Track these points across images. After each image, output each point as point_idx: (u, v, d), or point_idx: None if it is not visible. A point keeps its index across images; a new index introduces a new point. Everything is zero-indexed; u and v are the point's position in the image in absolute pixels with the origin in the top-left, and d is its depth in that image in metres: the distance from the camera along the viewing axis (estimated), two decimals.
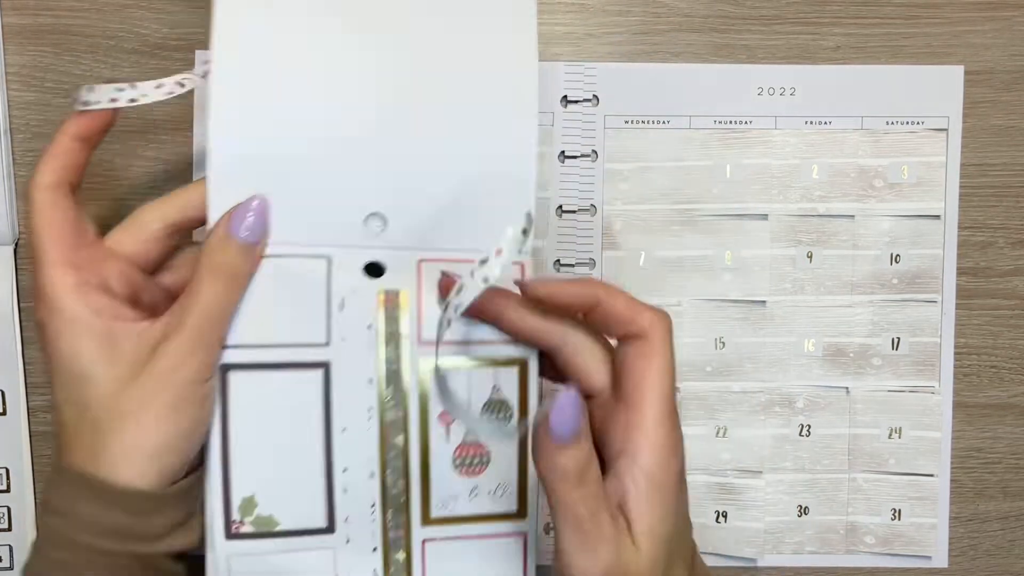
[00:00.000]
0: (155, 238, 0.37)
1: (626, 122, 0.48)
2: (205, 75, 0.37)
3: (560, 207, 0.48)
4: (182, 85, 0.38)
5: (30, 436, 0.48)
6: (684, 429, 0.49)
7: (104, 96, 0.37)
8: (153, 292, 0.38)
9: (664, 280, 0.49)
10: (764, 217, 0.49)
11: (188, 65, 0.48)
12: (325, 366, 0.37)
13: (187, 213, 0.37)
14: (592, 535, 0.33)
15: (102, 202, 0.48)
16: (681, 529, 0.36)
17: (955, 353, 0.49)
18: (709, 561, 0.49)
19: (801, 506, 0.49)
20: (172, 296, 0.38)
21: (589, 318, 0.36)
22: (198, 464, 0.37)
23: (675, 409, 0.36)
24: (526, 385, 0.39)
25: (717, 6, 0.48)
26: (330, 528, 0.38)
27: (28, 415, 0.47)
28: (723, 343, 0.49)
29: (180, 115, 0.48)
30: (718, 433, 0.49)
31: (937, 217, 0.49)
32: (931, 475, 0.49)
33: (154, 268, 0.38)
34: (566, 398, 0.32)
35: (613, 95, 0.48)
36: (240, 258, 0.36)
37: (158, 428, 0.35)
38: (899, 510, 0.49)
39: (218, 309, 0.36)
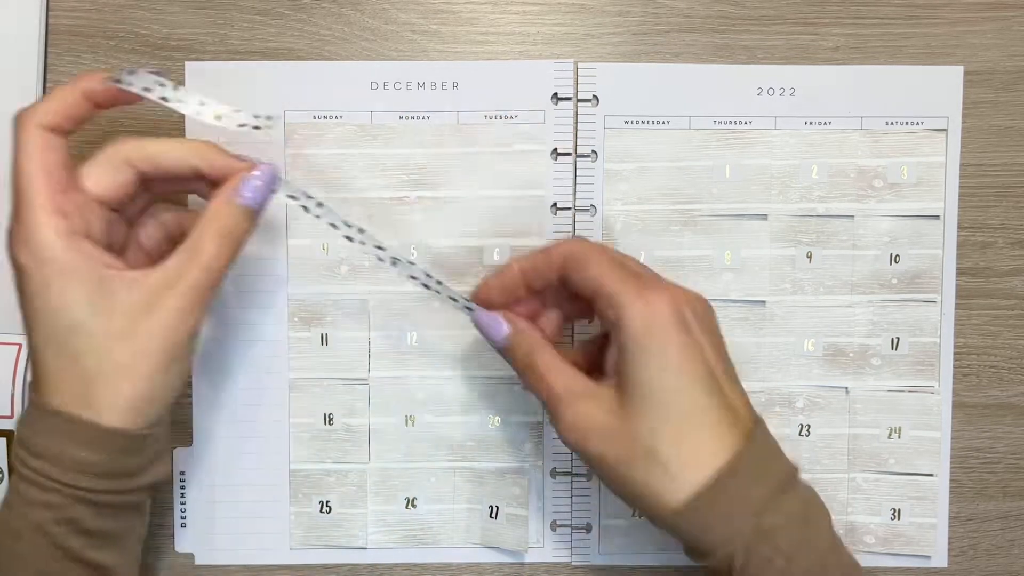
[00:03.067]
0: (129, 183, 0.38)
1: (626, 122, 0.48)
2: (242, 126, 0.39)
3: (555, 204, 0.48)
4: (217, 119, 0.39)
5: None
6: None
7: (139, 84, 0.38)
8: (121, 234, 0.40)
9: None
10: (764, 217, 0.49)
11: (184, 66, 0.48)
12: None
13: (157, 169, 0.38)
14: (563, 396, 0.39)
15: None
16: (700, 388, 0.37)
17: (954, 353, 0.49)
18: None
19: None
20: (141, 247, 0.40)
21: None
22: None
23: (650, 275, 0.39)
24: None
25: (717, 6, 0.48)
26: None
27: None
28: None
29: (178, 119, 0.48)
30: None
31: (937, 217, 0.49)
32: (931, 475, 0.49)
33: (119, 210, 0.39)
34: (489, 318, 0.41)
35: (613, 95, 0.48)
36: (245, 222, 0.38)
37: (150, 381, 0.37)
38: (899, 510, 0.49)
39: (218, 269, 0.38)
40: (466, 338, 0.49)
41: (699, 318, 0.38)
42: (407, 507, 0.49)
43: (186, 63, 0.48)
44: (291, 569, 0.49)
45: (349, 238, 0.42)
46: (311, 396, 0.49)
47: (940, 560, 0.49)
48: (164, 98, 0.38)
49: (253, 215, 0.39)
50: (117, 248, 0.39)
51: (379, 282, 0.49)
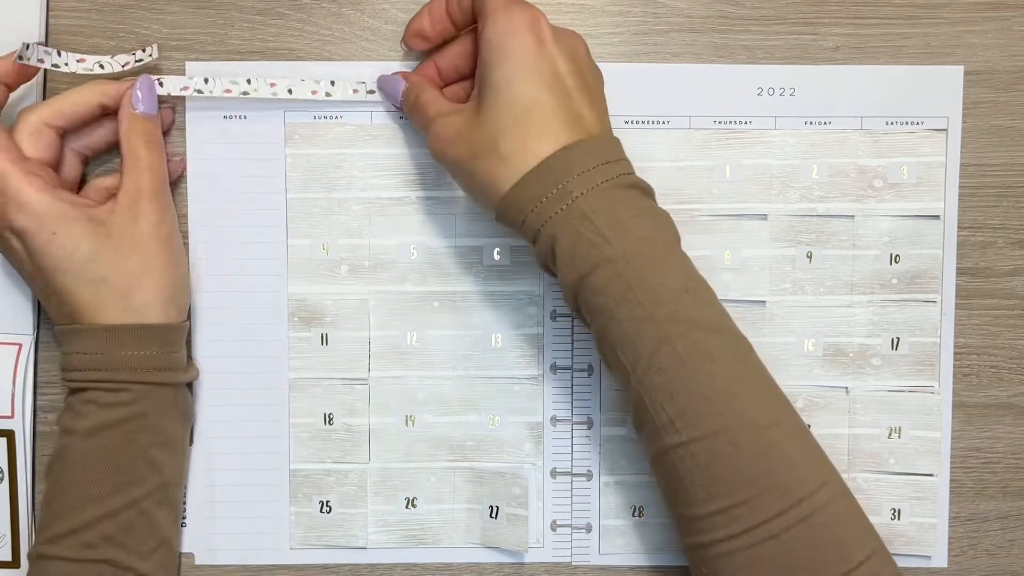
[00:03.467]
0: (52, 143, 0.44)
1: (626, 122, 0.48)
2: (126, 65, 0.45)
3: None
4: (101, 67, 0.45)
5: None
6: None
7: (35, 56, 0.43)
8: (68, 186, 0.45)
9: None
10: (764, 217, 0.49)
11: (185, 66, 0.48)
12: None
13: (68, 119, 0.44)
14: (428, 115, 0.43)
15: None
16: (546, 93, 0.40)
17: (955, 353, 0.49)
18: None
19: None
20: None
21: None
22: None
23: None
24: None
25: (717, 6, 0.48)
26: None
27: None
28: None
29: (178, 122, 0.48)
30: None
31: (937, 217, 0.49)
32: (931, 475, 0.49)
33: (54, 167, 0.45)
34: None
35: (613, 95, 0.48)
36: (151, 124, 0.44)
37: (166, 274, 0.44)
38: (899, 510, 0.49)
39: (158, 167, 0.44)
40: (466, 338, 0.49)
41: (560, 40, 0.41)
42: (407, 507, 0.49)
43: (186, 63, 0.48)
44: (291, 569, 0.49)
45: (246, 93, 0.46)
46: (311, 396, 0.49)
47: (940, 560, 0.49)
48: (55, 65, 0.44)
49: (153, 118, 0.44)
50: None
51: (379, 282, 0.49)
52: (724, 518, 0.37)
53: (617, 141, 0.42)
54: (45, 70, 0.45)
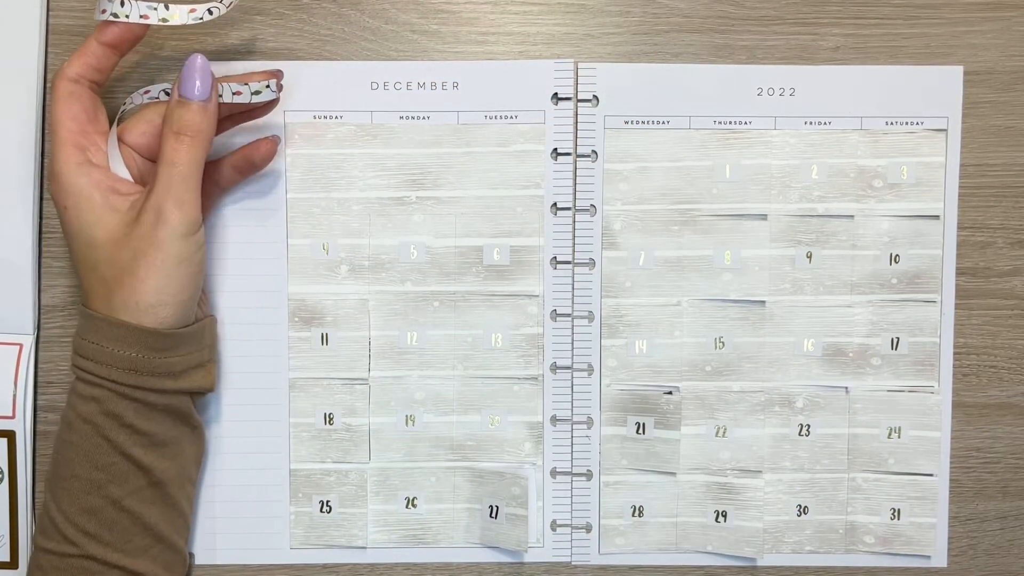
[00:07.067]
0: (157, 132, 0.42)
1: (626, 122, 0.48)
2: (230, 5, 0.43)
3: (555, 204, 0.48)
4: (211, 13, 0.43)
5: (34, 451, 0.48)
6: (684, 428, 0.49)
7: (134, 12, 0.41)
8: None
9: (664, 280, 0.49)
10: (763, 217, 0.49)
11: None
12: None
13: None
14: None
15: None
16: None
17: (954, 353, 0.49)
18: (708, 560, 0.49)
19: (800, 506, 0.49)
20: None
21: None
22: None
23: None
24: None
25: (717, 7, 0.48)
26: None
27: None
28: (723, 343, 0.49)
29: None
30: (718, 433, 0.49)
31: (936, 217, 0.49)
32: (930, 475, 0.49)
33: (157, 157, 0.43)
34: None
35: (613, 95, 0.48)
36: (197, 116, 0.41)
37: (150, 281, 0.40)
38: (898, 510, 0.49)
39: (181, 163, 0.41)
40: (466, 338, 0.49)
41: None
42: (407, 507, 0.49)
43: None
44: (291, 569, 0.49)
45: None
46: (311, 396, 0.49)
47: (940, 560, 0.49)
48: (164, 20, 0.42)
49: (202, 108, 0.41)
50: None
51: (379, 282, 0.49)
52: None
53: None
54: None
